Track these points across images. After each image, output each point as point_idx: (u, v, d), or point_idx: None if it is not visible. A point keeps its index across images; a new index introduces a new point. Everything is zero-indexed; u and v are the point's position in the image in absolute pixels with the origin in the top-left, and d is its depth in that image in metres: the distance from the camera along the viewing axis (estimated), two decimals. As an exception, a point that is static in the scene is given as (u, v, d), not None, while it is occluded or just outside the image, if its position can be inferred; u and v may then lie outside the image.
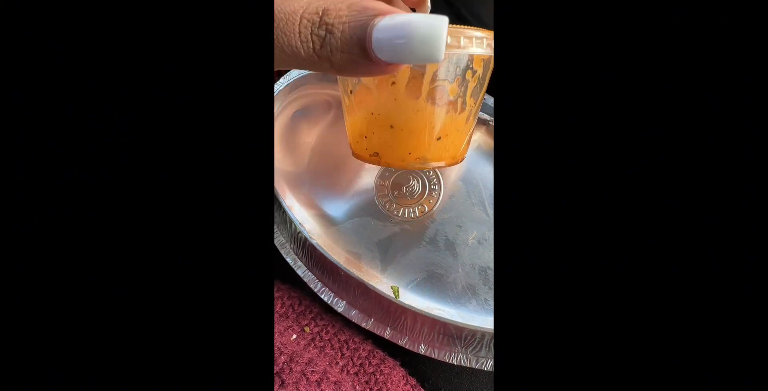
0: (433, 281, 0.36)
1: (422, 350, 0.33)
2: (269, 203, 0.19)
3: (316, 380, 0.27)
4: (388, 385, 0.31)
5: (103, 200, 0.17)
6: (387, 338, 0.33)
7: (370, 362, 0.33)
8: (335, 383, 0.28)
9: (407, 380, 0.33)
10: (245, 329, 0.17)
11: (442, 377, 0.36)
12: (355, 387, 0.30)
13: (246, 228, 0.18)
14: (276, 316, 0.33)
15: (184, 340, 0.17)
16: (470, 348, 0.32)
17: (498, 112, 0.19)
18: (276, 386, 0.25)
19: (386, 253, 0.37)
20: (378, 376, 0.32)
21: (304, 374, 0.27)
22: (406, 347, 0.33)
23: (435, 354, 0.32)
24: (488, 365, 0.32)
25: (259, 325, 0.18)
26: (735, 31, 0.17)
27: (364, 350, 0.33)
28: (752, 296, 0.16)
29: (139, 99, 0.18)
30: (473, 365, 0.32)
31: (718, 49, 0.17)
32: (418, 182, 0.39)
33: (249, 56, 0.19)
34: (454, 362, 0.32)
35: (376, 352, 0.34)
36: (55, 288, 0.17)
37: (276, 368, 0.26)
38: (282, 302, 0.34)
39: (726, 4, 0.17)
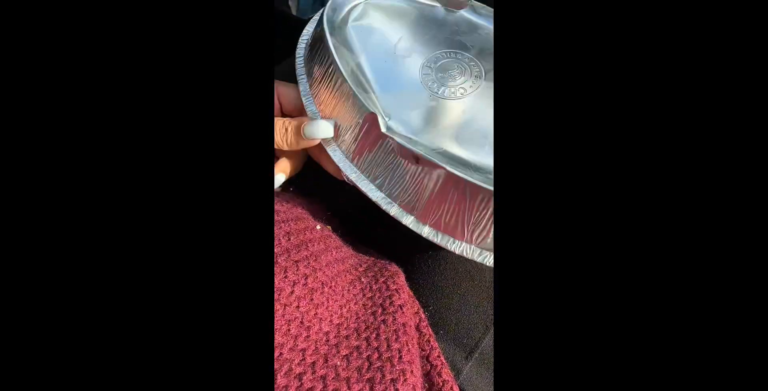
0: None
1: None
2: (269, 203, 0.19)
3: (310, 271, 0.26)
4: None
5: (102, 199, 0.17)
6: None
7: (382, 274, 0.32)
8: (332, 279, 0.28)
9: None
10: (244, 328, 0.17)
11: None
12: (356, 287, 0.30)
13: (245, 227, 0.18)
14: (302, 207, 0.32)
15: (182, 335, 0.17)
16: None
17: (498, 109, 0.19)
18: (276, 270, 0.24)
19: None
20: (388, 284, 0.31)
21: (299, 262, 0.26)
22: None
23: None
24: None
25: (258, 324, 0.18)
26: (735, 27, 0.17)
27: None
28: (752, 292, 0.16)
29: (139, 99, 0.18)
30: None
31: (719, 44, 0.17)
32: None
33: (249, 56, 0.19)
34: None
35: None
36: (54, 287, 0.17)
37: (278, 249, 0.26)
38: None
39: (726, 2, 0.17)
